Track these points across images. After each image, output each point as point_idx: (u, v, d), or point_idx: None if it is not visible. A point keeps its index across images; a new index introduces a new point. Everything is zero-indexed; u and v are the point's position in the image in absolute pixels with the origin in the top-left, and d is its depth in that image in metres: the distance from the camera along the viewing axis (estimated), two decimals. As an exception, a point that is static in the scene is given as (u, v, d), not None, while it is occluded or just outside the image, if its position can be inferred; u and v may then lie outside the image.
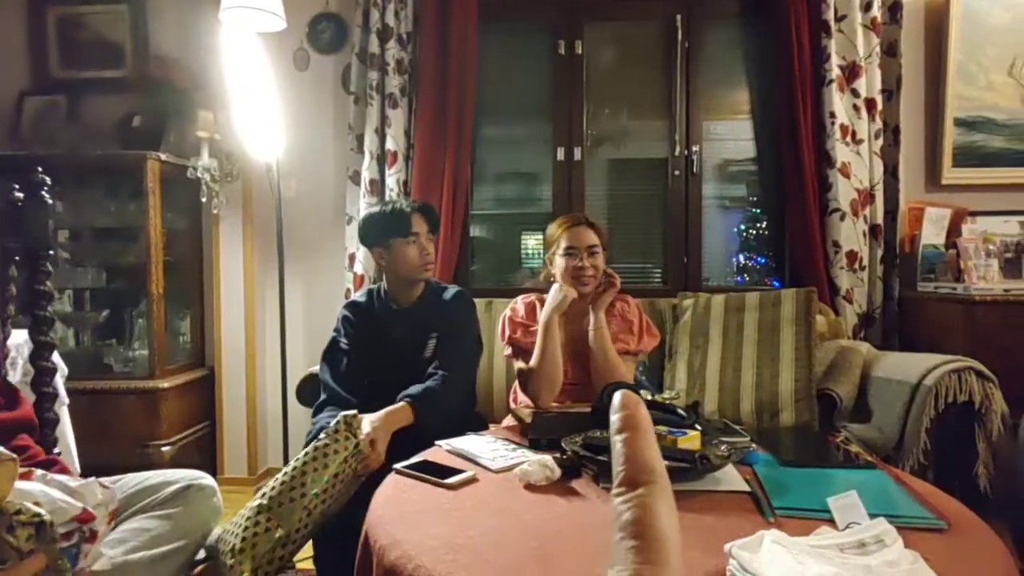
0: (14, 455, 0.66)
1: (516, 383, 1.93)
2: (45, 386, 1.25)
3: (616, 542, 0.21)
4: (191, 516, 1.12)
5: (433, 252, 1.75)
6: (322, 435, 1.24)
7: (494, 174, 2.86)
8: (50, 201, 1.24)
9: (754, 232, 2.97)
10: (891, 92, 2.51)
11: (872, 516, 0.85)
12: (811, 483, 1.08)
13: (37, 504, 0.68)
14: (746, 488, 1.03)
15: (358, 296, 1.84)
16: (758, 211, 2.95)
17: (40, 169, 1.23)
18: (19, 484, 0.69)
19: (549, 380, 1.72)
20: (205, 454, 2.72)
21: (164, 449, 2.45)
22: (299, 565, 2.00)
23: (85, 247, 2.72)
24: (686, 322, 2.23)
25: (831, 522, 0.89)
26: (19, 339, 1.64)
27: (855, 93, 2.46)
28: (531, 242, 2.98)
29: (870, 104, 2.47)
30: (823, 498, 0.96)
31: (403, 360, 1.69)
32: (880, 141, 2.49)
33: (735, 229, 2.92)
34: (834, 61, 2.44)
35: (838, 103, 2.44)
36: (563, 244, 1.81)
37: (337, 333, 1.73)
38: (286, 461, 2.53)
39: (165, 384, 2.49)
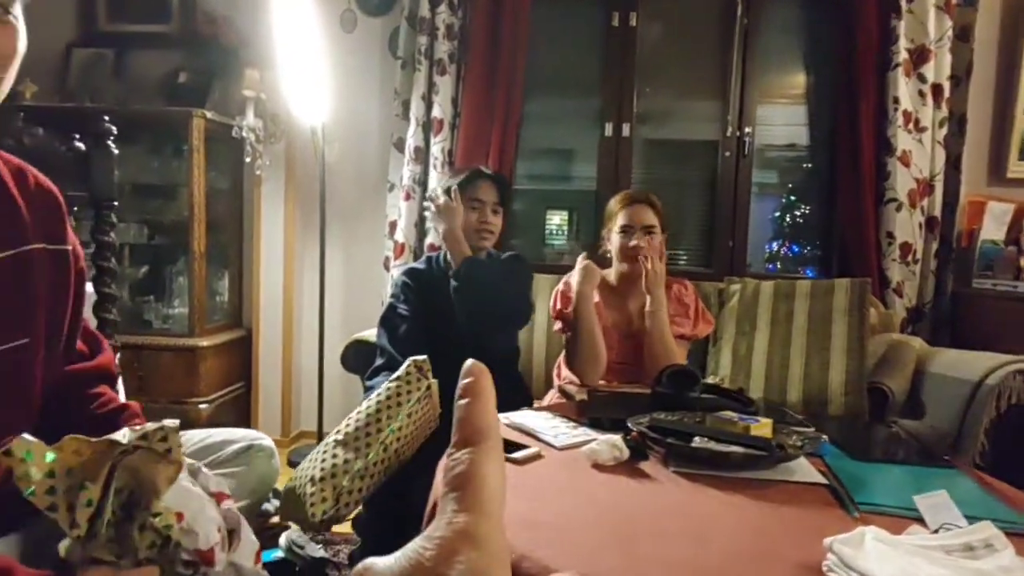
0: (181, 460, 0.62)
1: (560, 358, 1.90)
2: (107, 338, 1.25)
3: (441, 496, 0.21)
4: (252, 476, 1.12)
5: (494, 223, 1.71)
6: (393, 379, 1.24)
7: (531, 149, 2.78)
8: (115, 152, 1.22)
9: (790, 220, 2.91)
10: (960, 79, 2.40)
11: (967, 518, 0.82)
12: (889, 479, 1.05)
13: (180, 516, 0.63)
14: (823, 480, 1.00)
15: (417, 263, 1.83)
16: (794, 198, 2.88)
17: (107, 119, 1.21)
18: (187, 483, 0.66)
19: (588, 357, 1.69)
20: (240, 414, 2.75)
21: (202, 407, 2.48)
22: (336, 528, 2.02)
23: (127, 203, 2.71)
24: (733, 307, 2.18)
25: (920, 521, 0.86)
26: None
27: (922, 78, 2.36)
28: (556, 220, 2.94)
29: (936, 91, 2.37)
30: (906, 495, 0.92)
31: (462, 328, 1.67)
32: (944, 130, 2.39)
33: (769, 216, 2.86)
34: (902, 44, 2.34)
35: (903, 88, 2.35)
36: (620, 221, 1.76)
37: (395, 299, 1.72)
38: (320, 424, 2.56)
39: (204, 343, 2.51)
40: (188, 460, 0.73)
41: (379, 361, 1.63)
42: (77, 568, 0.63)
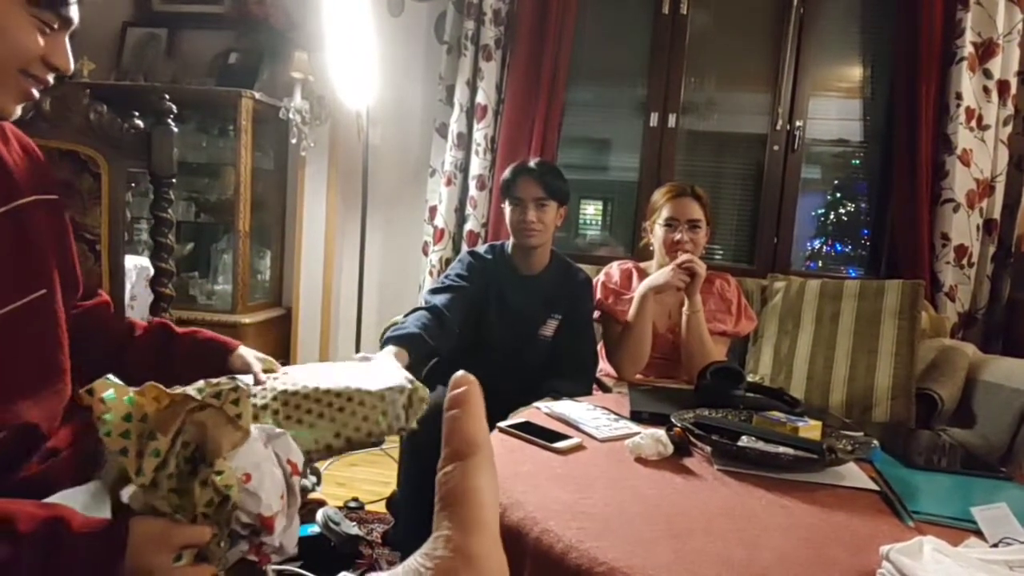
0: (248, 429, 0.60)
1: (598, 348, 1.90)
2: (163, 312, 1.29)
3: (436, 512, 0.21)
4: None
5: (536, 220, 1.61)
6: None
7: (568, 137, 2.72)
8: (175, 129, 1.25)
9: (834, 217, 2.83)
10: (1028, 75, 2.30)
11: (1030, 533, 0.79)
12: (942, 488, 1.02)
13: (247, 477, 0.61)
14: (874, 487, 0.98)
15: (481, 248, 1.78)
16: (840, 195, 2.80)
17: (167, 97, 1.24)
18: (260, 444, 0.63)
19: (633, 355, 1.69)
20: (278, 391, 2.81)
21: (242, 382, 2.53)
22: (370, 507, 2.06)
23: (176, 180, 2.78)
24: (776, 305, 2.14)
25: (978, 533, 0.84)
26: (127, 264, 1.70)
27: (987, 74, 2.26)
28: (590, 209, 2.92)
29: (1002, 87, 2.27)
30: (962, 506, 0.89)
31: (512, 328, 1.66)
32: (1009, 128, 2.29)
33: (812, 213, 2.79)
34: (968, 37, 2.24)
35: (966, 84, 2.25)
36: (664, 214, 1.74)
37: (447, 277, 1.66)
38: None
39: (246, 320, 2.57)
40: (269, 426, 0.71)
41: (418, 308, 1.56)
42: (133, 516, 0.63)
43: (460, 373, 0.24)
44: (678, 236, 1.69)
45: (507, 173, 1.68)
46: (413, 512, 1.57)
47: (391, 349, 1.35)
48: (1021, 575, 0.67)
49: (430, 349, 1.44)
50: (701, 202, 1.72)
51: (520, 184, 1.63)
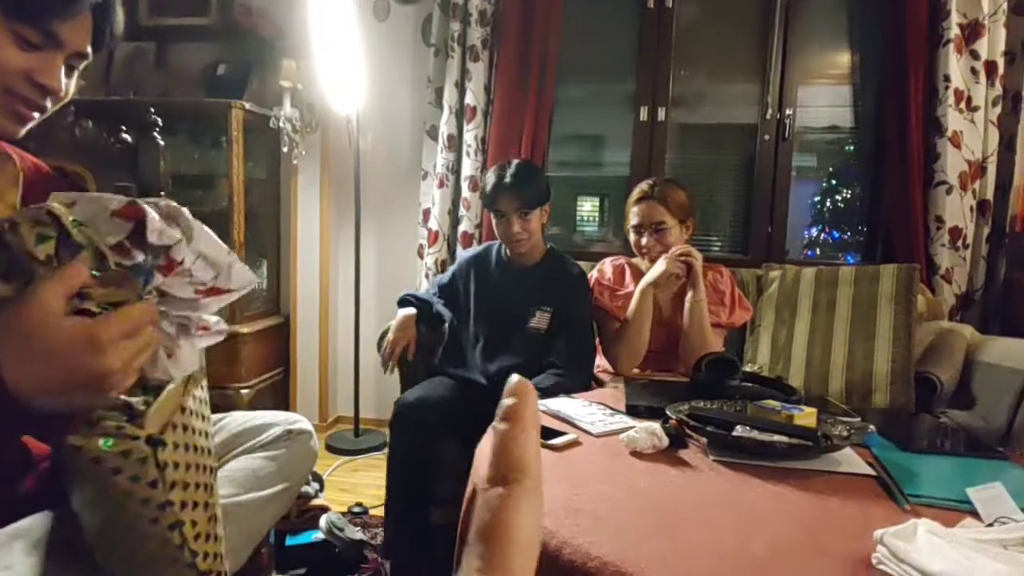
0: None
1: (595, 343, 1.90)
2: (155, 325, 1.29)
3: (469, 544, 0.19)
4: (293, 458, 1.14)
5: (522, 230, 1.65)
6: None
7: (562, 135, 2.74)
8: (161, 143, 1.25)
9: (830, 205, 2.83)
10: (1015, 55, 2.29)
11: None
12: (939, 470, 1.01)
13: (70, 204, 0.50)
14: (870, 472, 0.97)
15: (471, 251, 1.86)
16: (835, 182, 2.80)
17: (153, 110, 1.24)
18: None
19: (631, 350, 1.69)
20: (279, 399, 2.81)
21: (243, 392, 2.54)
22: (373, 512, 2.06)
23: (168, 193, 2.77)
24: (771, 294, 2.13)
25: (974, 514, 0.83)
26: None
27: (974, 55, 2.26)
28: (587, 206, 2.92)
29: (990, 68, 2.27)
30: (959, 487, 0.89)
31: (499, 321, 1.68)
32: (998, 109, 2.29)
33: (808, 201, 2.79)
34: (953, 19, 2.24)
35: (954, 66, 2.25)
36: (632, 220, 1.78)
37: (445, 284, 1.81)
38: (356, 410, 2.61)
39: (245, 329, 2.57)
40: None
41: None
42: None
43: (515, 379, 0.21)
44: (644, 241, 1.72)
45: (486, 186, 1.70)
46: (403, 509, 1.59)
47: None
48: (1015, 553, 0.67)
49: (438, 314, 1.72)
50: (667, 202, 1.72)
51: (501, 199, 1.65)
